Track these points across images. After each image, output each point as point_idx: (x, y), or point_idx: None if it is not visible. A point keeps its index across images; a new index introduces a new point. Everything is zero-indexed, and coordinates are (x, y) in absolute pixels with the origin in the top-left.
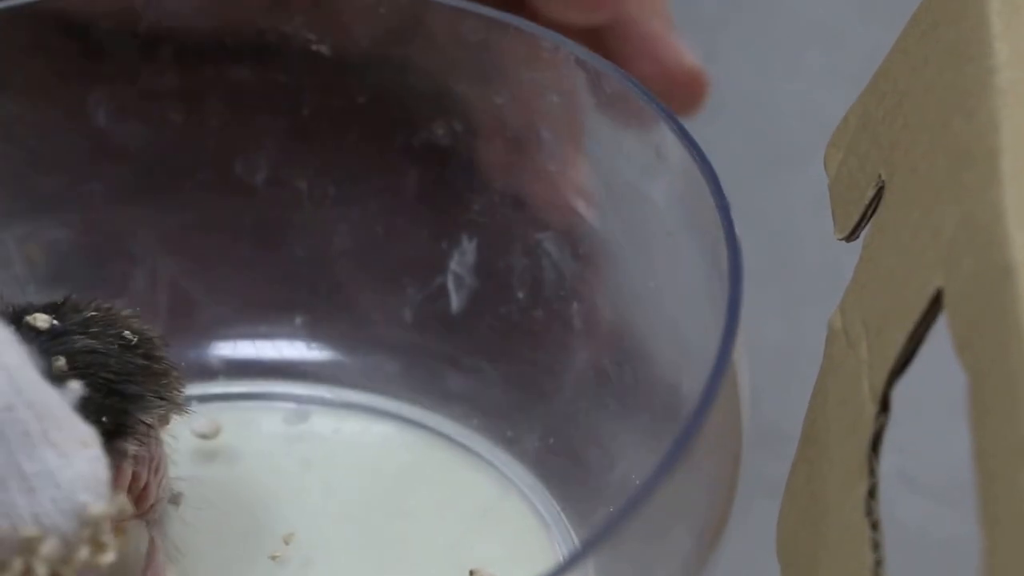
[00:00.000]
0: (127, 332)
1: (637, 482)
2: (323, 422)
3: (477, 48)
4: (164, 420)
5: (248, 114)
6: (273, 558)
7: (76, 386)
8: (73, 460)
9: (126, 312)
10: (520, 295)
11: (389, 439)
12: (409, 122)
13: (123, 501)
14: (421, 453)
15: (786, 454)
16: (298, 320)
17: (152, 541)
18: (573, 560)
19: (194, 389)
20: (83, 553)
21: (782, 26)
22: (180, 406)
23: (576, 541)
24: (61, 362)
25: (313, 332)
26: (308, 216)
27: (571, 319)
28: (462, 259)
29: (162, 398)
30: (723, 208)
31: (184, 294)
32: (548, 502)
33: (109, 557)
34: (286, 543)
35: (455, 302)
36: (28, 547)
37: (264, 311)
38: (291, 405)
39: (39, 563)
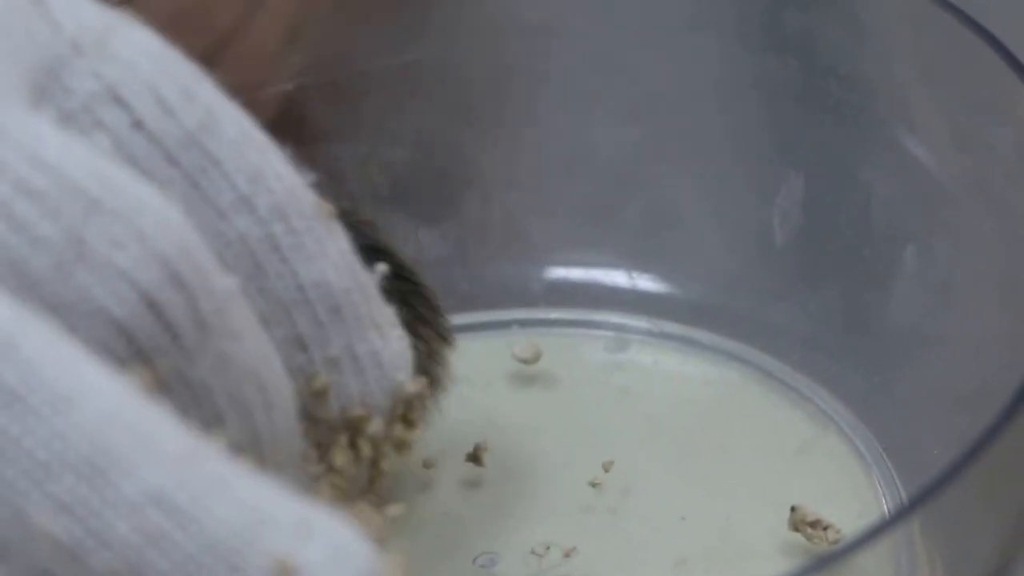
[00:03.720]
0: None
1: (966, 430)
2: (643, 352)
3: None
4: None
5: None
6: (593, 484)
7: (383, 267)
8: (390, 340)
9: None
10: (849, 233)
11: (708, 372)
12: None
13: (424, 382)
14: (740, 387)
15: None
16: (620, 250)
17: None
18: (901, 514)
19: (516, 314)
20: (398, 430)
21: None
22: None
23: (899, 482)
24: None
25: (634, 262)
26: (631, 148)
27: (903, 260)
28: (790, 194)
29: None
30: None
31: (512, 219)
32: (869, 441)
33: (418, 432)
34: (606, 470)
35: (780, 237)
36: (354, 426)
37: (586, 241)
38: (610, 334)
39: (364, 442)
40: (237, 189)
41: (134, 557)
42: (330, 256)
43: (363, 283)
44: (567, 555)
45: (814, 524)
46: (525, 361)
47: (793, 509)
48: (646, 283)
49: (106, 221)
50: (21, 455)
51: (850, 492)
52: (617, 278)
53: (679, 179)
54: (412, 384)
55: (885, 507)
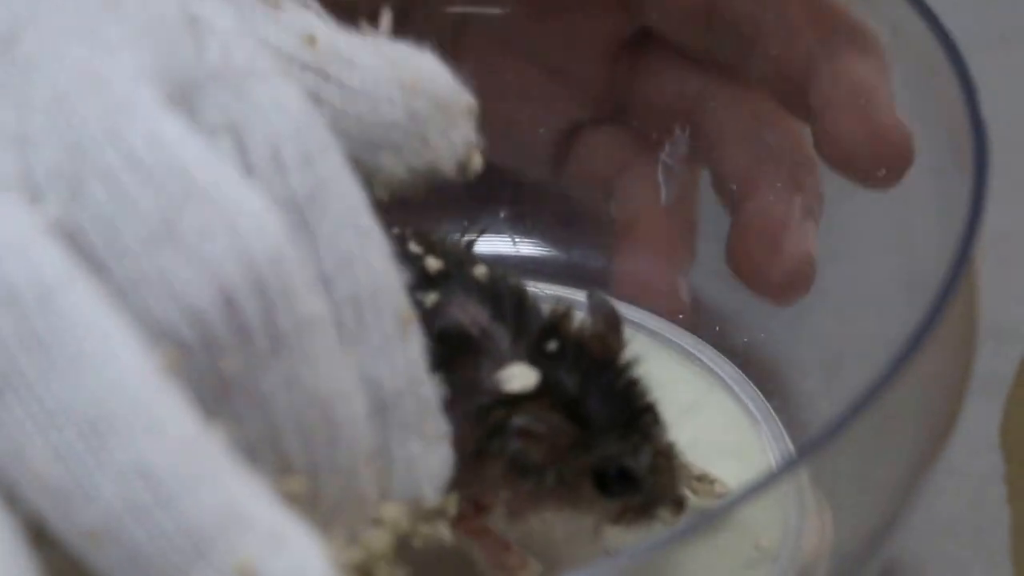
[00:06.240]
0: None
1: (852, 386)
2: None
3: None
4: None
5: None
6: None
7: None
8: (432, 454)
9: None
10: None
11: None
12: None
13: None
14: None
15: (1004, 352)
16: (502, 214)
17: None
18: (785, 468)
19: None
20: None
21: None
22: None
23: (787, 438)
24: None
25: (517, 226)
26: (514, 111)
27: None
28: (673, 149)
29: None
30: (968, 91)
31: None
32: (756, 398)
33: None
34: None
35: (665, 195)
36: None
37: (469, 203)
38: None
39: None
40: (322, 264)
41: (113, 520)
42: (392, 357)
43: (422, 394)
44: None
45: (700, 478)
46: None
47: (699, 479)
48: (529, 247)
49: (205, 210)
50: (32, 398)
51: (739, 447)
52: (501, 245)
53: (559, 142)
54: (433, 502)
55: (773, 461)
